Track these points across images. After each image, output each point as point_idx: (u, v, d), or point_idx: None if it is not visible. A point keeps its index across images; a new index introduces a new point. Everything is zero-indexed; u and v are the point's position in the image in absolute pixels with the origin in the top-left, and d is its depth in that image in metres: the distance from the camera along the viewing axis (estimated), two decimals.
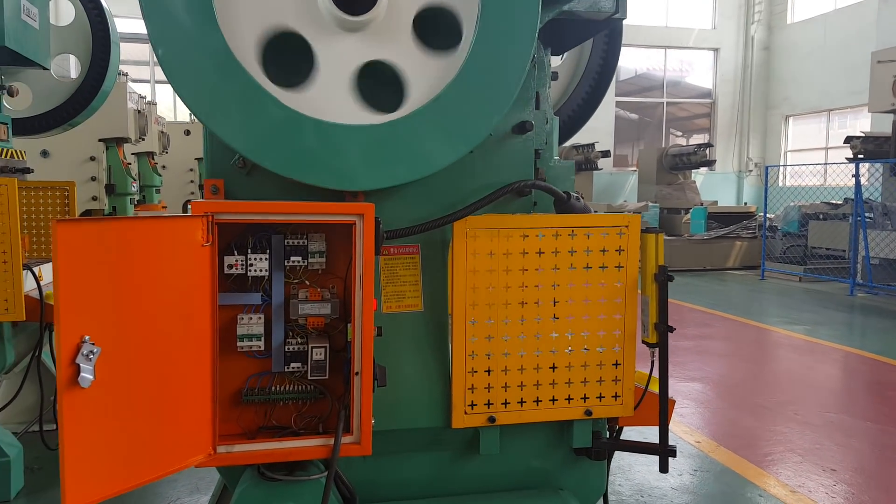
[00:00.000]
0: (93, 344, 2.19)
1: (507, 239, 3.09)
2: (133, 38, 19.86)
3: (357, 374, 2.75)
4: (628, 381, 3.32)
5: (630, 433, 3.49)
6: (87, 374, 2.15)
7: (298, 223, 2.73)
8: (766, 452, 5.36)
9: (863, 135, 16.48)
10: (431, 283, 3.16)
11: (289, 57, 2.79)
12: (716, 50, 26.13)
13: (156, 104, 11.46)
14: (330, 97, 2.73)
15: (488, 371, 3.13)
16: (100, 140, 8.70)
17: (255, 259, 2.76)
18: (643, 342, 3.34)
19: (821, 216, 16.95)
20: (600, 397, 3.29)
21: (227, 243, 2.78)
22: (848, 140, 16.05)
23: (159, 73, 21.16)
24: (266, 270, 2.78)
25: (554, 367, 3.22)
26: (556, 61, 4.45)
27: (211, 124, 2.55)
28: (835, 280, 14.83)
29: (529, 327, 3.17)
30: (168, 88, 21.18)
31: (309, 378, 2.84)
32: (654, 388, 3.38)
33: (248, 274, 2.76)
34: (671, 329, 3.22)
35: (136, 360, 2.35)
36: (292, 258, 2.83)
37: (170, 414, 2.48)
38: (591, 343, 3.25)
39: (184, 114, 18.80)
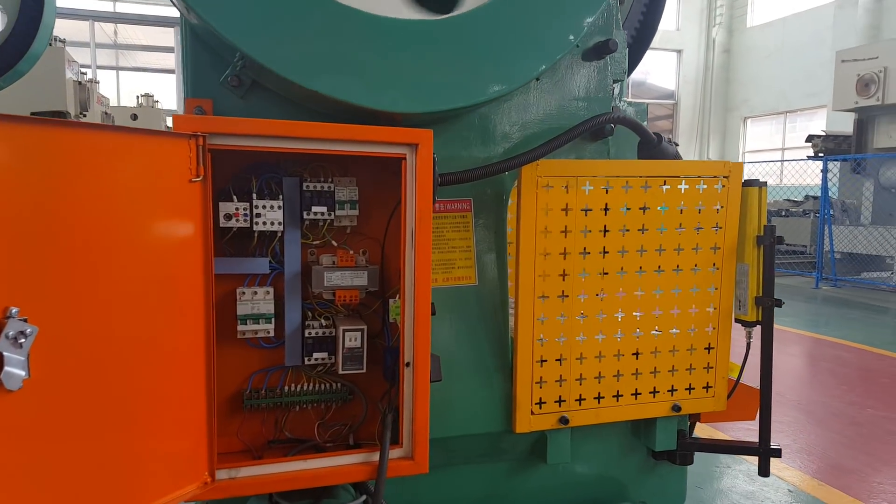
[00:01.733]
0: (24, 321, 1.39)
1: (585, 192, 2.38)
2: (72, 14, 18.38)
3: (408, 365, 2.00)
4: (722, 369, 2.67)
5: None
6: (15, 369, 1.36)
7: (325, 155, 1.96)
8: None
9: (823, 133, 16.48)
10: (485, 250, 2.43)
11: None
12: (679, 52, 26.02)
13: (98, 83, 10.38)
14: None
15: (560, 360, 2.42)
16: (33, 114, 7.64)
17: (264, 207, 1.98)
18: (737, 320, 2.69)
19: (783, 213, 16.94)
20: (690, 389, 2.62)
21: (218, 189, 1.99)
22: (809, 139, 16.03)
23: (101, 57, 19.74)
24: (279, 224, 2.00)
25: (637, 354, 2.53)
26: None
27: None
28: (798, 274, 14.78)
29: (610, 304, 2.47)
30: (111, 74, 19.77)
31: (340, 372, 2.08)
32: (733, 373, 2.74)
33: (255, 229, 1.98)
34: (779, 303, 2.57)
35: (94, 349, 1.57)
36: (314, 209, 2.06)
37: (147, 428, 1.70)
38: (681, 323, 2.58)
39: (129, 100, 17.50)
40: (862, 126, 14.95)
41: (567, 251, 2.41)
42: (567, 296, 2.43)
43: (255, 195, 1.98)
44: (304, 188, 2.06)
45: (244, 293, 2.06)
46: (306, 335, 2.11)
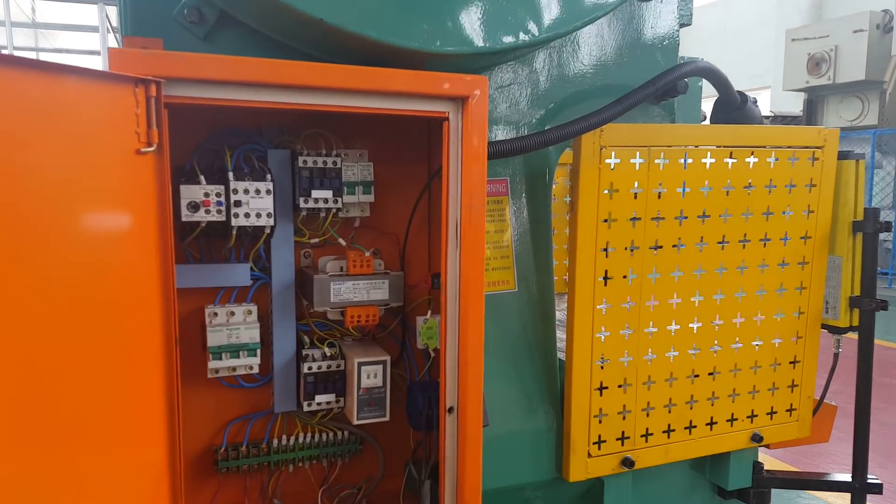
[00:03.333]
0: None
1: (659, 167, 1.83)
2: None
3: (451, 411, 1.42)
4: (807, 387, 2.17)
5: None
6: None
7: (330, 115, 1.36)
8: None
9: (772, 114, 16.40)
10: (526, 245, 1.86)
11: None
12: None
13: None
14: None
15: (624, 385, 1.88)
16: None
17: (245, 192, 1.36)
18: (824, 326, 2.19)
19: None
20: (772, 413, 2.12)
21: (177, 165, 1.37)
22: None
23: (19, 37, 18.14)
24: (268, 215, 1.38)
25: (714, 374, 2.01)
26: None
27: None
28: None
29: (685, 312, 1.94)
30: (30, 56, 18.25)
31: (356, 422, 1.48)
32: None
33: (233, 224, 1.36)
34: (884, 305, 2.08)
35: None
36: (314, 194, 1.44)
37: None
38: (765, 332, 2.07)
39: None
40: (812, 106, 14.90)
41: (635, 245, 1.86)
42: (634, 303, 1.88)
43: (231, 173, 1.36)
44: (300, 164, 1.45)
45: (216, 314, 1.44)
46: (304, 370, 1.50)
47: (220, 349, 1.42)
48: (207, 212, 1.34)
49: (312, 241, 1.57)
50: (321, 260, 1.58)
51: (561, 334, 1.94)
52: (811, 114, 15.41)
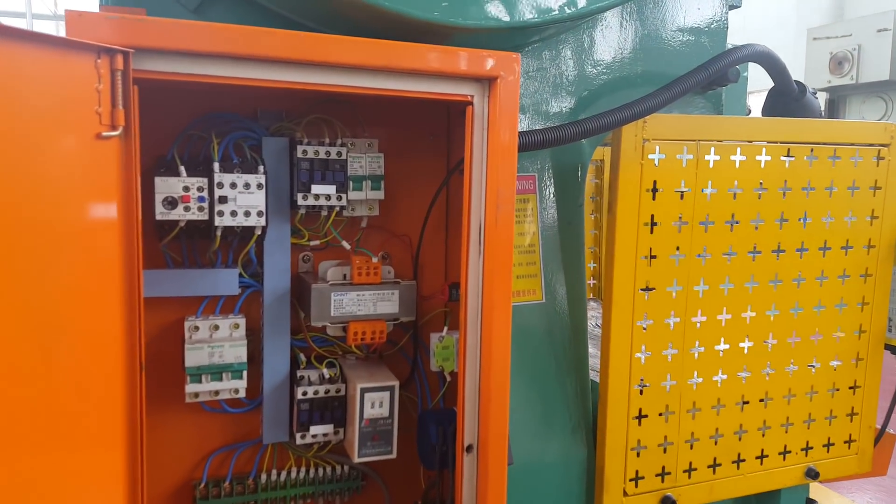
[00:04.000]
0: None
1: (709, 163, 1.61)
2: None
3: (469, 450, 1.20)
4: (868, 415, 1.94)
5: None
6: None
7: (338, 97, 1.15)
8: None
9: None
10: (555, 252, 1.64)
11: None
12: None
13: None
14: None
15: (666, 414, 1.65)
16: None
17: (233, 187, 1.15)
18: (887, 346, 1.96)
19: None
20: (828, 445, 1.88)
21: (152, 157, 1.16)
22: None
23: None
24: (259, 213, 1.17)
25: (766, 400, 1.78)
26: None
27: None
28: None
29: (735, 329, 1.72)
30: None
31: (356, 460, 1.26)
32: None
33: (217, 224, 1.15)
34: None
35: None
36: (314, 189, 1.23)
37: None
38: (822, 353, 1.84)
39: None
40: (833, 106, 14.59)
41: (681, 252, 1.63)
42: (679, 319, 1.66)
43: (217, 164, 1.15)
44: (300, 155, 1.23)
45: (197, 328, 1.23)
46: (299, 395, 1.28)
47: (199, 370, 1.21)
48: (187, 209, 1.13)
49: (312, 243, 1.35)
50: (322, 265, 1.36)
51: (593, 349, 1.72)
52: (833, 114, 15.12)
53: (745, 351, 1.76)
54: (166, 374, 1.30)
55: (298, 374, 1.32)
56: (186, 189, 1.13)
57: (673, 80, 1.51)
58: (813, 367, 1.84)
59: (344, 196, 1.27)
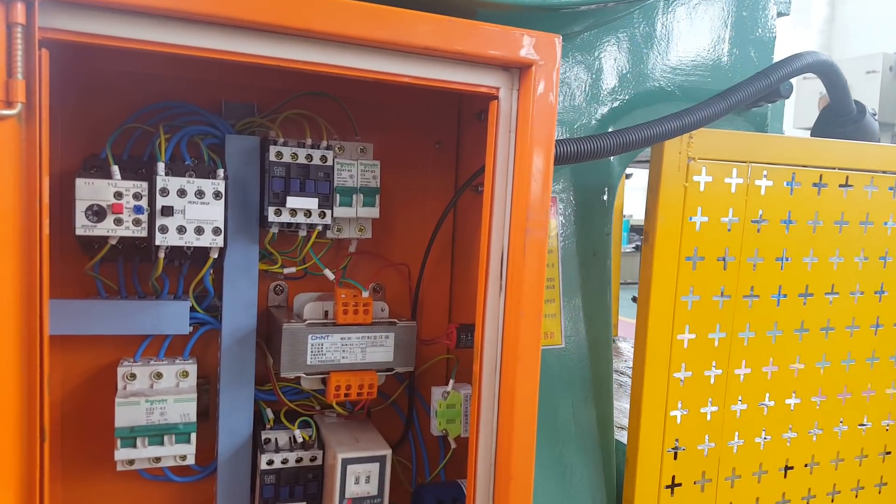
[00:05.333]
0: None
1: (760, 189, 1.37)
2: None
3: None
4: None
5: None
6: None
7: (316, 73, 0.89)
8: None
9: None
10: (576, 288, 1.38)
11: None
12: None
13: None
14: None
15: (702, 482, 1.39)
16: None
17: (181, 195, 0.87)
18: None
19: None
20: None
21: (93, 153, 0.88)
22: None
23: None
24: (215, 230, 0.90)
25: (812, 465, 1.53)
26: None
27: None
28: None
29: (782, 383, 1.47)
30: None
31: None
32: None
33: (158, 244, 0.87)
34: None
35: None
36: (291, 202, 0.96)
37: None
38: (874, 411, 1.60)
39: None
40: None
41: (726, 292, 1.37)
42: (720, 371, 1.40)
43: (161, 165, 0.88)
44: (273, 158, 0.96)
45: (133, 375, 0.95)
46: (263, 464, 1.00)
47: (133, 433, 0.92)
48: (118, 221, 0.86)
49: (287, 270, 1.08)
50: (297, 299, 1.09)
51: (619, 403, 1.46)
52: None
53: (792, 408, 1.51)
54: (95, 431, 1.02)
55: (264, 435, 1.04)
56: (119, 196, 0.85)
57: (728, 88, 1.27)
58: (864, 426, 1.59)
59: (328, 212, 1.00)
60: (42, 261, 0.72)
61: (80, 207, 0.84)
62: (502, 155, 0.93)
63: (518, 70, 0.91)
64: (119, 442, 0.93)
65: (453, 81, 0.89)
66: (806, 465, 1.55)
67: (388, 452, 1.00)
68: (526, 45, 0.88)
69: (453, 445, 1.07)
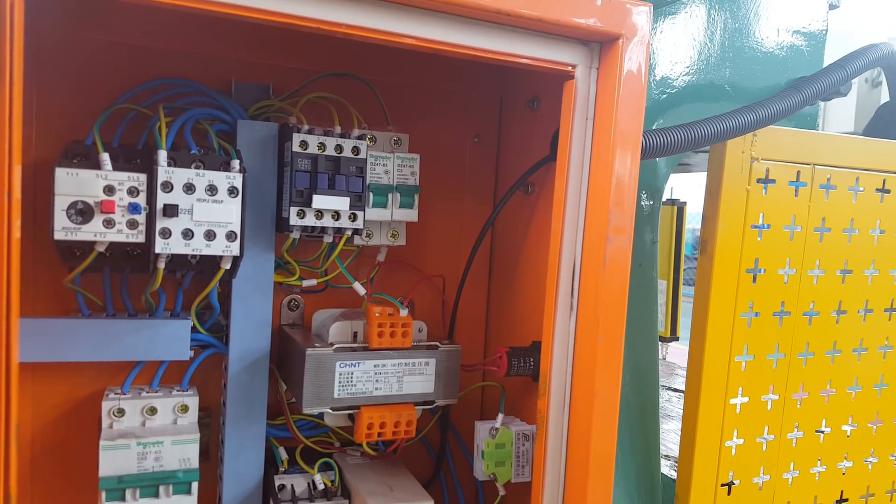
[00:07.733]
0: None
1: (824, 195, 1.24)
2: None
3: None
4: None
5: None
6: None
7: (346, 35, 0.74)
8: None
9: None
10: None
11: None
12: None
13: None
14: None
15: None
16: None
17: (188, 190, 0.70)
18: None
19: None
20: None
21: (78, 139, 0.70)
22: None
23: None
24: (229, 235, 0.72)
25: (867, 496, 1.39)
26: None
27: None
28: None
29: (839, 408, 1.33)
30: None
31: None
32: None
33: (157, 251, 0.69)
34: None
35: None
36: (317, 201, 0.79)
37: None
38: None
39: None
40: None
41: (786, 308, 1.23)
42: (778, 395, 1.26)
43: (164, 153, 0.70)
44: (297, 148, 0.79)
45: (121, 411, 0.77)
46: None
47: (121, 483, 0.75)
48: (109, 223, 0.68)
49: (306, 283, 0.91)
50: (317, 317, 0.92)
51: (666, 433, 1.30)
52: None
53: (848, 434, 1.37)
54: (72, 480, 0.84)
55: (277, 481, 0.86)
56: (110, 190, 0.68)
57: (800, 79, 1.13)
58: None
59: (360, 214, 0.84)
60: (10, 271, 0.54)
61: (61, 205, 0.66)
62: (578, 147, 0.77)
63: (599, 44, 0.76)
64: (104, 495, 0.75)
65: (523, 55, 0.73)
66: (861, 497, 1.41)
67: (430, 503, 0.84)
68: (614, 12, 0.73)
69: (501, 492, 0.90)
